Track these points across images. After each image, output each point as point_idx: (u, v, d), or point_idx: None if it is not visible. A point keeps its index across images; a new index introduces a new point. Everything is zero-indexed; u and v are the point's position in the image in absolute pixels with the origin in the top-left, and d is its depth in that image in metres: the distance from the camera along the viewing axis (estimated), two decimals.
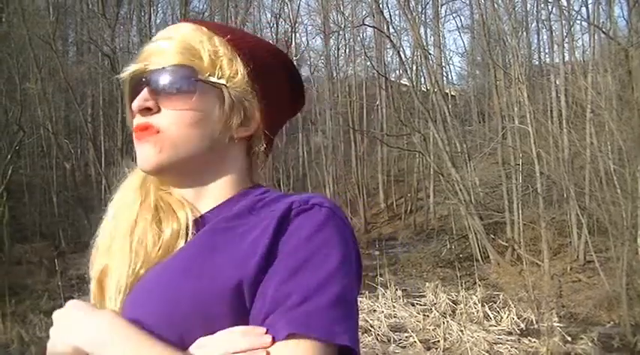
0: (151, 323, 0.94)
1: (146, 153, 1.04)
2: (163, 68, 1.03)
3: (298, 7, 32.17)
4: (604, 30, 13.16)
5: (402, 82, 21.31)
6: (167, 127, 1.03)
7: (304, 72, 27.56)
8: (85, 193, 19.17)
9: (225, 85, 1.05)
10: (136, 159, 1.07)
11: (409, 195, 21.77)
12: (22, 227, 17.29)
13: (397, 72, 23.90)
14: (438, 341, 8.96)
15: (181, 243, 1.03)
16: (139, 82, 1.05)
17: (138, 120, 1.04)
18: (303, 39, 29.48)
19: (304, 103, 1.21)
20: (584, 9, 15.13)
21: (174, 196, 1.08)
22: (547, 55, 19.05)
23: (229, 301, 0.93)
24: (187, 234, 1.03)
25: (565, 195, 12.62)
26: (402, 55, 18.30)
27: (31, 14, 17.65)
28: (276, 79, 1.12)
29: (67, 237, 17.72)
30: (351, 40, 25.24)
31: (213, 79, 1.04)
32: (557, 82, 14.89)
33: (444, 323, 9.44)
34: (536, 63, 19.85)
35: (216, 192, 1.08)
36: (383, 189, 23.13)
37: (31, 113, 18.10)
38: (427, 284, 11.98)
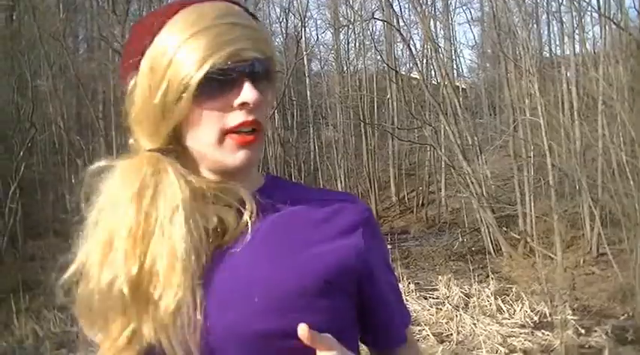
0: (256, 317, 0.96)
1: (252, 154, 1.00)
2: (262, 59, 0.98)
3: (307, 1, 32.18)
4: (615, 21, 13.05)
5: (412, 75, 21.23)
6: (264, 122, 1.00)
7: (314, 66, 27.56)
8: None
9: (278, 71, 1.04)
10: (229, 158, 1.00)
11: (421, 188, 21.70)
12: (35, 223, 17.33)
13: (407, 65, 23.82)
14: (451, 334, 8.94)
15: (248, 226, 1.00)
16: (239, 71, 0.96)
17: (246, 116, 0.98)
18: (313, 33, 29.52)
19: None
20: (594, 0, 15.00)
21: (219, 179, 1.03)
22: (558, 47, 18.85)
23: (319, 292, 1.00)
24: (255, 214, 1.01)
25: (577, 187, 12.57)
26: (412, 49, 18.22)
27: (42, 12, 17.69)
28: None
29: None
30: (361, 33, 25.13)
31: (276, 67, 1.04)
32: (568, 74, 14.78)
33: (456, 316, 9.41)
34: (547, 55, 19.69)
35: (249, 172, 1.07)
36: (394, 182, 23.06)
37: (43, 110, 18.16)
38: (440, 277, 11.92)
